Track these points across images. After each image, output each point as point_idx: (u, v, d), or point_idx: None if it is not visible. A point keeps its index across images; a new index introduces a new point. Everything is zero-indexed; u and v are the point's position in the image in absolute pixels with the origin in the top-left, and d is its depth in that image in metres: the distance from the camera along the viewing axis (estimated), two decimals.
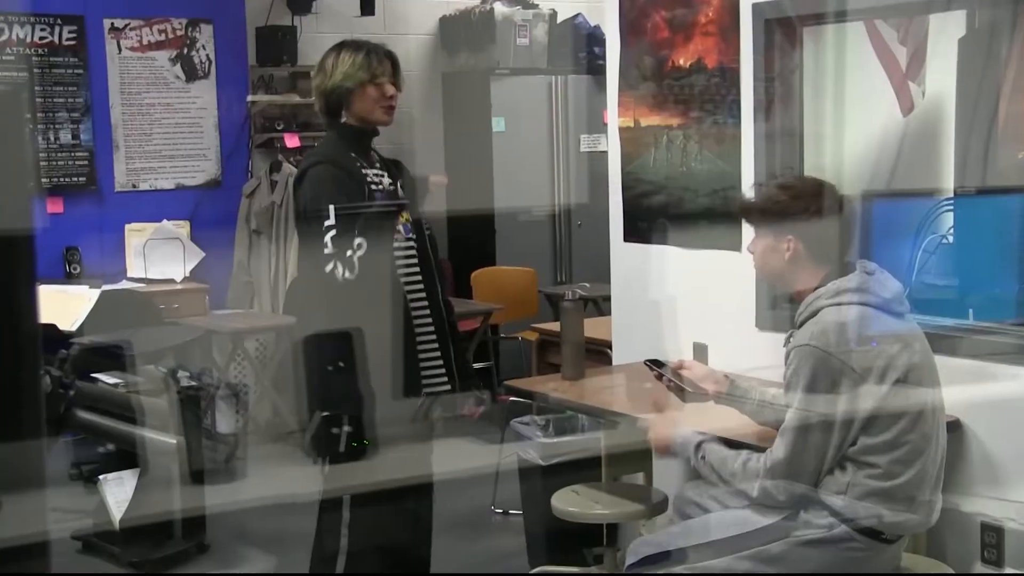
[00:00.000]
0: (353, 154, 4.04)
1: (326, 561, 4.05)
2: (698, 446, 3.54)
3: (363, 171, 4.02)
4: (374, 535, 4.05)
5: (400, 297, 3.98)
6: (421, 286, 4.07)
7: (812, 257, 3.43)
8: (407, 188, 4.17)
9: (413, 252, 4.08)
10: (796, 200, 3.43)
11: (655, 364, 3.84)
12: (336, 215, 3.83)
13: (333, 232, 3.81)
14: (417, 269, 4.08)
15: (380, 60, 4.06)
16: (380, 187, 4.03)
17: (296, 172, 4.11)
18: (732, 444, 3.53)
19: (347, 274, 3.80)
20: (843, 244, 3.47)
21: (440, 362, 4.10)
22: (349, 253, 3.80)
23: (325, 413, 3.91)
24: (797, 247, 3.43)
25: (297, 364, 4.04)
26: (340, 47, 4.10)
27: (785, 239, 3.43)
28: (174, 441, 2.25)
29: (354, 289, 3.83)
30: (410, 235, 4.08)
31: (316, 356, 3.94)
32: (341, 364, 3.90)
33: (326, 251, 3.81)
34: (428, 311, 4.08)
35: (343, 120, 4.08)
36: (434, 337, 4.09)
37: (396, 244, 4.02)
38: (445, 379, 4.11)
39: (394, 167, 4.20)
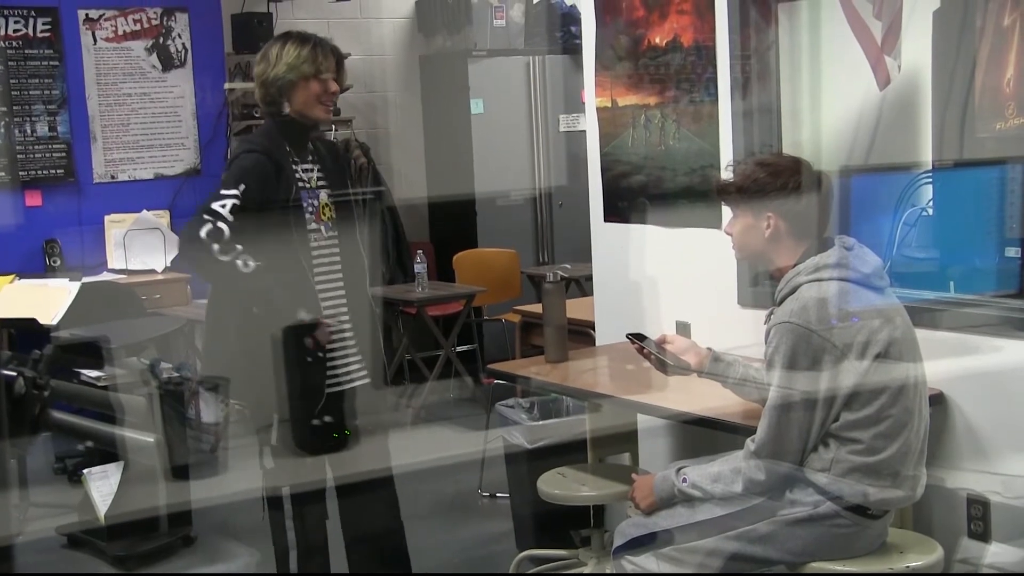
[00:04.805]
0: (288, 147, 4.00)
1: (281, 558, 4.07)
2: (677, 472, 3.54)
3: (293, 166, 3.98)
4: (317, 529, 4.08)
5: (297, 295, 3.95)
6: (340, 284, 4.04)
7: (792, 234, 3.42)
8: (337, 178, 4.13)
9: (335, 250, 4.04)
10: (775, 177, 3.41)
11: (636, 338, 3.83)
12: (241, 206, 3.81)
13: (236, 202, 3.80)
14: (337, 267, 4.04)
15: (326, 55, 4.01)
16: (307, 185, 4.00)
17: (230, 155, 4.07)
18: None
19: (244, 265, 3.81)
20: (822, 220, 3.46)
21: (357, 356, 4.08)
22: (239, 249, 3.79)
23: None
24: (778, 224, 3.41)
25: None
26: (286, 38, 4.04)
27: (765, 216, 3.42)
28: (152, 439, 2.23)
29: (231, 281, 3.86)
30: (331, 232, 4.04)
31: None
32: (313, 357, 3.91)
33: (217, 215, 3.78)
34: (345, 308, 4.05)
35: (283, 111, 4.02)
36: (350, 334, 4.07)
37: (315, 243, 3.99)
38: (364, 372, 4.10)
39: (328, 155, 4.15)
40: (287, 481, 4.00)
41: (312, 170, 4.04)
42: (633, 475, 3.83)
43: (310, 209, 3.98)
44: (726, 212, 3.75)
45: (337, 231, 4.04)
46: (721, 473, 3.42)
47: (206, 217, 3.78)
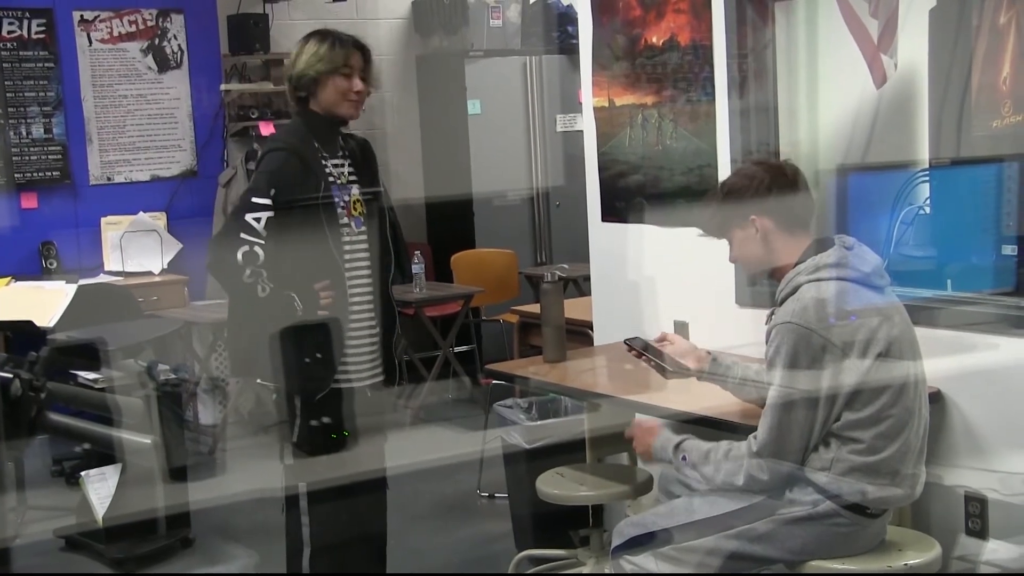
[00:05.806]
0: (316, 143, 4.01)
1: (294, 556, 4.06)
2: (677, 447, 3.52)
3: (322, 162, 3.99)
4: (333, 527, 4.07)
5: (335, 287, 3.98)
6: (368, 279, 4.05)
7: (781, 228, 3.42)
8: (367, 175, 4.14)
9: (364, 246, 4.06)
10: (749, 179, 3.46)
11: (634, 343, 3.83)
12: (276, 203, 3.83)
13: (270, 213, 3.82)
14: (366, 262, 4.06)
15: (346, 51, 4.01)
16: (337, 181, 4.01)
17: (258, 153, 4.10)
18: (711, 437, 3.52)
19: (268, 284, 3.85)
20: (806, 209, 3.47)
21: (376, 352, 4.11)
22: (263, 274, 3.83)
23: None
24: (763, 223, 3.42)
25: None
26: (312, 35, 4.06)
27: (749, 221, 3.43)
28: (148, 440, 2.23)
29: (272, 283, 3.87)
30: (361, 227, 4.06)
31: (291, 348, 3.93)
32: (319, 355, 3.92)
33: (253, 231, 3.81)
34: (370, 303, 4.07)
35: (310, 107, 4.04)
36: (376, 330, 4.11)
37: (346, 238, 4.00)
38: (380, 370, 4.14)
39: (359, 152, 4.16)
40: (308, 478, 4.01)
41: (343, 165, 4.05)
42: (636, 417, 3.81)
43: (341, 204, 3.99)
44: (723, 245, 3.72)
45: (367, 227, 4.05)
46: (722, 464, 3.40)
47: (244, 237, 3.80)
